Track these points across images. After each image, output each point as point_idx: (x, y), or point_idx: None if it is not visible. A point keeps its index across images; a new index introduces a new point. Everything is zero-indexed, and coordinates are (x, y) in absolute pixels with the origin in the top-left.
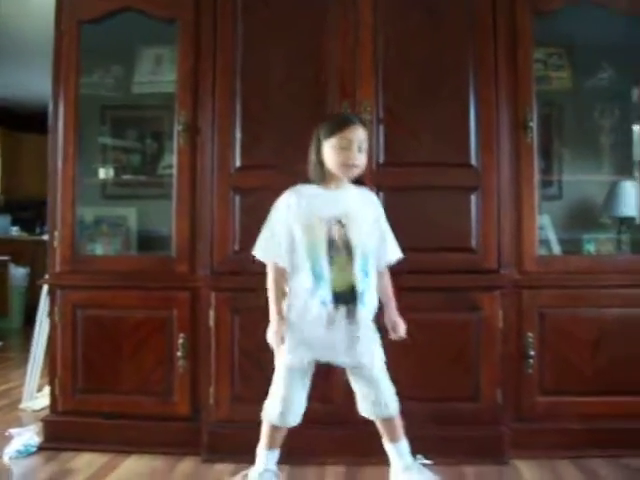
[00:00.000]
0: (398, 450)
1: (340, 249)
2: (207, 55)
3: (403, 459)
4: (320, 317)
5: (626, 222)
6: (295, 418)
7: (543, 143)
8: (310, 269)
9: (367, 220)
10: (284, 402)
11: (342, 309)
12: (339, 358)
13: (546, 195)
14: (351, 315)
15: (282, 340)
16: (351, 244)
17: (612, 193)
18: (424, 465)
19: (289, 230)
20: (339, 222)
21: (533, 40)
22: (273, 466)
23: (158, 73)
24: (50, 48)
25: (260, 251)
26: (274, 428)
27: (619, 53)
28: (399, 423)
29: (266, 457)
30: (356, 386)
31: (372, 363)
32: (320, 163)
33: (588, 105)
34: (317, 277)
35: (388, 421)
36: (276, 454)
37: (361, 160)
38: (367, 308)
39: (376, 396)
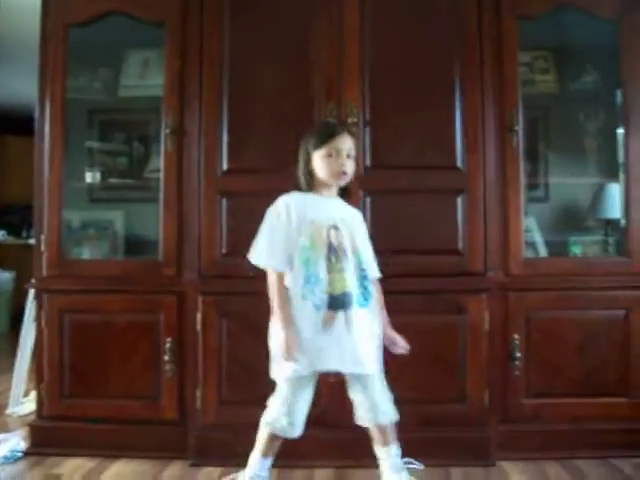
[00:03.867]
0: (388, 454)
1: (338, 253)
2: (194, 58)
3: (392, 463)
4: (315, 322)
5: (611, 224)
6: (299, 430)
7: (529, 146)
8: (303, 274)
9: (358, 231)
10: (289, 414)
11: (340, 314)
12: (336, 365)
13: (532, 198)
14: (348, 319)
15: (292, 355)
16: (348, 249)
17: (597, 195)
18: (412, 469)
19: (288, 235)
20: (335, 227)
21: (518, 44)
22: (265, 472)
23: (145, 76)
24: (37, 51)
25: (259, 258)
26: (274, 437)
27: (603, 57)
28: (392, 429)
29: (260, 464)
30: (352, 393)
31: (369, 370)
32: (310, 173)
33: (573, 108)
34: (312, 282)
35: (382, 427)
36: (269, 461)
37: (350, 167)
38: (366, 312)
39: (371, 403)
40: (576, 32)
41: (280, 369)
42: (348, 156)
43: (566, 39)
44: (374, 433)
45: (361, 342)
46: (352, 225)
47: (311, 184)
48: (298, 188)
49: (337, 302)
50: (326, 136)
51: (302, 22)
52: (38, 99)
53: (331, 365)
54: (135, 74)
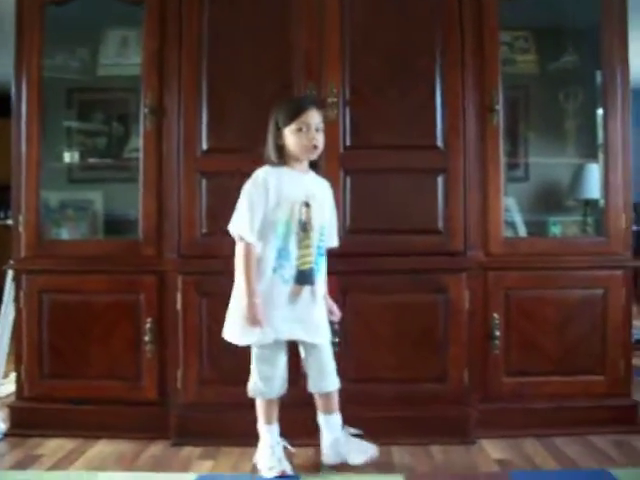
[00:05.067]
0: (330, 422)
1: (306, 229)
2: (173, 37)
3: (333, 431)
4: (282, 295)
5: (590, 204)
6: (279, 390)
7: (509, 126)
8: (276, 248)
9: (326, 204)
10: (265, 378)
11: (305, 288)
12: (300, 335)
13: (512, 177)
14: (312, 293)
15: (259, 322)
16: (315, 226)
17: (577, 176)
18: (353, 435)
19: (265, 209)
20: (307, 204)
21: (499, 24)
22: (278, 438)
23: (124, 55)
24: (12, 29)
25: (240, 228)
26: (267, 402)
27: (584, 37)
28: (336, 397)
29: (269, 431)
30: (308, 363)
31: (327, 340)
32: (280, 148)
33: (553, 88)
34: (282, 256)
35: (328, 395)
36: (276, 427)
37: (320, 141)
38: (322, 287)
39: (324, 372)
40: (557, 12)
41: (244, 335)
42: (317, 130)
43: (547, 19)
44: (319, 400)
45: (320, 314)
46: (322, 200)
47: (282, 158)
48: (270, 162)
49: (304, 277)
50: (295, 112)
51: (282, 1)
52: (14, 78)
53: (295, 335)
54: (113, 53)
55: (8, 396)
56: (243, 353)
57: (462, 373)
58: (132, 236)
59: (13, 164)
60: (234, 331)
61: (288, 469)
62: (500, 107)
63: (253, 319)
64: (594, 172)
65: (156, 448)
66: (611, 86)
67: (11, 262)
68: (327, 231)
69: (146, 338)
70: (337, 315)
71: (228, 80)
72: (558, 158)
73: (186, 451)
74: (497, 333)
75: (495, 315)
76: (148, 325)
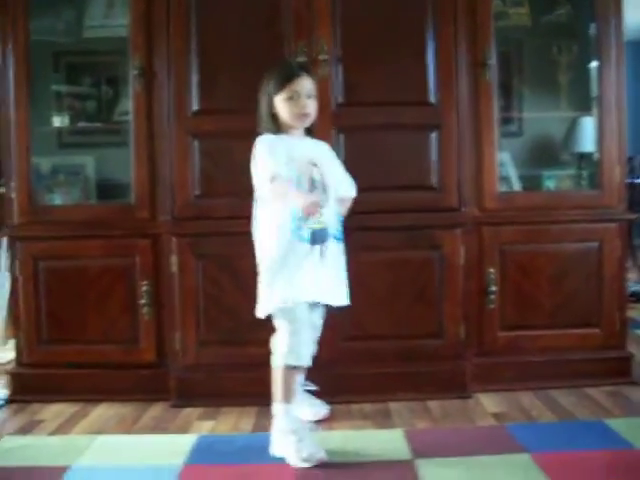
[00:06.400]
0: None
1: (319, 189)
2: None
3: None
4: (304, 256)
5: (585, 158)
6: (307, 359)
7: (502, 80)
8: (290, 208)
9: (332, 162)
10: (293, 345)
11: (319, 247)
12: (324, 297)
13: (506, 132)
14: (324, 254)
15: (313, 201)
16: (326, 185)
17: (571, 129)
18: (310, 391)
19: (281, 156)
20: (314, 164)
21: None
22: (298, 420)
23: (110, 16)
24: None
25: (266, 171)
26: (289, 376)
27: None
28: None
29: (287, 413)
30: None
31: (341, 301)
32: (273, 116)
33: (547, 41)
34: (297, 216)
35: None
36: (297, 407)
37: (312, 108)
38: (340, 248)
39: (317, 335)
40: None
41: (269, 301)
42: (309, 97)
43: None
44: None
45: (335, 274)
46: (326, 161)
47: (276, 127)
48: (266, 131)
49: (318, 237)
50: (285, 79)
51: None
52: (0, 42)
53: (310, 297)
54: (100, 14)
55: (8, 363)
56: (240, 314)
57: (458, 328)
58: (125, 200)
59: (2, 130)
60: (262, 301)
61: (323, 454)
62: (493, 62)
63: (308, 204)
64: (588, 125)
65: (156, 410)
66: (605, 38)
67: (4, 229)
68: (338, 186)
69: (142, 301)
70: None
71: (217, 40)
72: (552, 112)
73: (186, 412)
74: (493, 288)
75: (490, 270)
76: (144, 288)
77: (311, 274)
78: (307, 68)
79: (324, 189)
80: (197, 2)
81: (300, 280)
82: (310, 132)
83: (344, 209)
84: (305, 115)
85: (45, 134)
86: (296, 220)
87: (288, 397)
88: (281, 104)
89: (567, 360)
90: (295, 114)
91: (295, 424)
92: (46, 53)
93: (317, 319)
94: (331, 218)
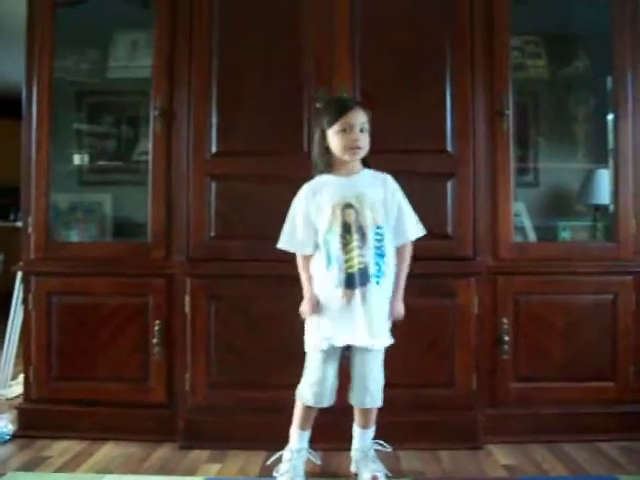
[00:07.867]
0: (363, 436)
1: (354, 232)
2: (183, 39)
3: (364, 445)
4: (335, 300)
5: (600, 210)
6: (329, 399)
7: (519, 131)
8: (325, 253)
9: (378, 200)
10: (318, 384)
11: (356, 291)
12: (350, 339)
13: (522, 182)
14: (365, 296)
15: (314, 309)
16: (364, 226)
17: (587, 181)
18: (382, 450)
19: (308, 220)
20: (352, 206)
21: (510, 28)
22: (306, 445)
23: (134, 58)
24: (23, 31)
25: (283, 243)
26: (307, 409)
27: (595, 42)
28: (375, 412)
29: (300, 437)
30: (353, 369)
31: (377, 343)
32: (326, 151)
33: (564, 93)
34: (330, 260)
35: (366, 411)
36: (308, 434)
37: (364, 142)
38: (382, 290)
39: (363, 386)
40: (568, 17)
41: (308, 341)
42: (362, 130)
43: (558, 24)
44: (358, 413)
45: (375, 317)
46: (374, 198)
47: (329, 163)
48: (317, 171)
49: (352, 280)
50: (339, 112)
51: (292, 3)
52: (25, 80)
53: (346, 340)
54: (124, 55)
55: (16, 398)
56: (252, 357)
57: (470, 378)
58: (141, 239)
59: (23, 166)
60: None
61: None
62: (510, 112)
63: (307, 309)
64: (604, 177)
65: (164, 451)
66: (622, 91)
67: (20, 264)
68: (390, 228)
69: (154, 341)
70: (396, 312)
71: (238, 83)
72: (568, 163)
73: (193, 454)
74: (506, 338)
75: (504, 320)
76: (156, 327)
77: (346, 318)
78: (362, 103)
79: (359, 231)
80: (219, 45)
81: (329, 324)
82: (368, 165)
83: (401, 259)
84: (357, 148)
85: (65, 171)
86: (328, 265)
87: (303, 425)
88: (333, 137)
89: (580, 413)
90: (347, 147)
91: (299, 446)
92: (69, 92)
93: (359, 364)
94: (370, 259)
